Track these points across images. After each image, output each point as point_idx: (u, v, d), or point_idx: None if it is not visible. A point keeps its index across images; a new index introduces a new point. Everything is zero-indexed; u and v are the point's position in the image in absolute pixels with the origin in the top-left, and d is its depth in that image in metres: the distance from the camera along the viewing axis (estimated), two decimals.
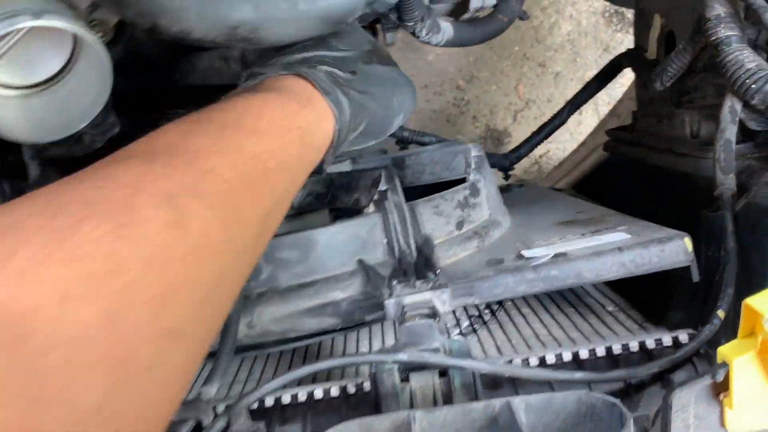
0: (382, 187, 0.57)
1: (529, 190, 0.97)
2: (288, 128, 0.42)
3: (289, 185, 0.42)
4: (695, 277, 0.57)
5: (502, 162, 1.07)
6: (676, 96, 0.84)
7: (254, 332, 0.53)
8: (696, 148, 0.77)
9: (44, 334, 0.23)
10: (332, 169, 0.72)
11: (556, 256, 0.55)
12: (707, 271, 0.67)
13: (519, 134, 1.89)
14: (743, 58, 0.67)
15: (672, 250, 0.54)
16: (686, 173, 0.77)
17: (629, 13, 1.94)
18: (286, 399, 0.50)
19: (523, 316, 0.69)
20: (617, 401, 0.41)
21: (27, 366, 0.23)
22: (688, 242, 0.55)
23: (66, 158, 0.60)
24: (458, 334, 0.66)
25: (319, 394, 0.51)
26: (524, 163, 1.92)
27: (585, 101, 1.00)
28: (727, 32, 0.68)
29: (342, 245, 0.56)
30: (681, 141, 0.82)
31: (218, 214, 0.32)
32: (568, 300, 0.71)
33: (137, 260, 0.27)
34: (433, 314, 0.47)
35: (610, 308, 0.70)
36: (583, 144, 1.47)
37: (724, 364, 0.41)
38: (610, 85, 1.91)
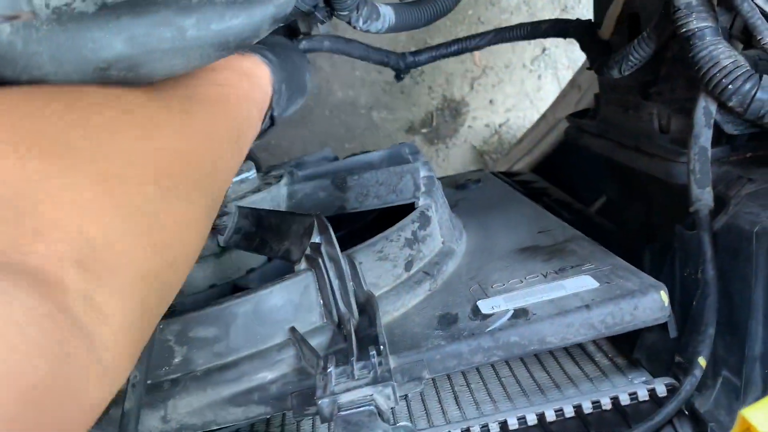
0: (315, 238, 0.49)
1: (487, 189, 0.89)
2: (237, 68, 0.50)
3: (248, 113, 0.49)
4: (672, 332, 0.51)
5: (397, 63, 0.94)
6: (643, 86, 0.76)
7: (169, 427, 0.45)
8: (666, 148, 0.70)
9: None
10: (263, 205, 0.64)
11: (516, 314, 0.48)
12: (683, 291, 0.61)
13: (477, 103, 1.80)
14: (718, 53, 0.59)
15: (647, 306, 0.47)
16: (657, 178, 0.70)
17: None
18: None
19: None
20: None
21: None
22: (664, 296, 0.48)
23: None
24: None
25: None
26: (484, 133, 1.85)
27: (509, 40, 0.90)
28: (699, 23, 0.60)
29: (269, 314, 0.48)
30: (649, 136, 0.75)
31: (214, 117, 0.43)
32: None
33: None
34: (378, 413, 0.40)
35: None
36: (543, 117, 1.39)
37: None
38: (570, 47, 1.83)
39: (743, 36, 0.63)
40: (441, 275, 0.58)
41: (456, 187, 0.93)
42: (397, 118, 1.81)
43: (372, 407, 0.40)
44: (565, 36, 0.89)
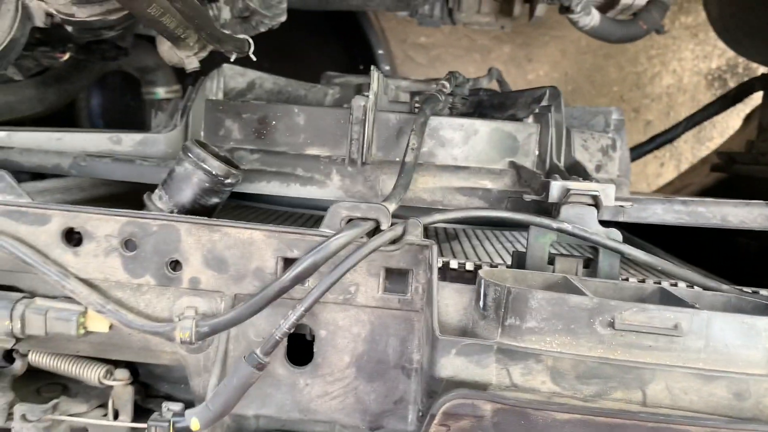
0: (546, 102, 0.60)
1: None
2: None
3: None
4: None
5: None
6: None
7: (407, 197, 0.56)
8: None
9: None
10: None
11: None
12: None
13: None
14: None
15: None
16: None
17: (732, 82, 1.97)
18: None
19: None
20: None
21: None
22: None
23: None
24: None
25: None
26: None
27: (704, 120, 1.02)
28: None
29: (497, 142, 0.59)
30: None
31: None
32: None
33: None
34: (596, 205, 0.49)
35: None
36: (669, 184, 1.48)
37: None
38: (696, 145, 1.92)
39: None
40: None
41: None
42: None
43: (593, 208, 0.49)
44: (752, 92, 1.01)
